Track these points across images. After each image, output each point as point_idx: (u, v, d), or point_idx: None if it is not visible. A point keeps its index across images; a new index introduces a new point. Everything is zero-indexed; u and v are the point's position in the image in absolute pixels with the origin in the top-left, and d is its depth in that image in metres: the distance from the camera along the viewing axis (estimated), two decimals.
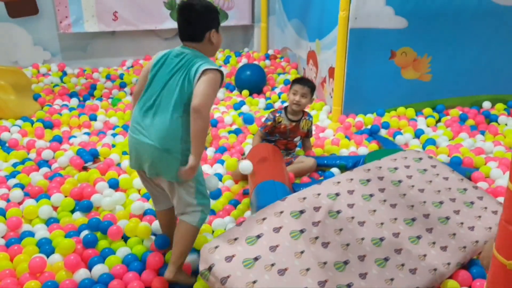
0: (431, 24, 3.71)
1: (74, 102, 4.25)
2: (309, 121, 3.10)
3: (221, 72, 1.85)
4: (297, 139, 3.12)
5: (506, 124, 3.72)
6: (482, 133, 3.59)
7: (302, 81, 3.01)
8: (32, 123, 3.75)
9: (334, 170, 2.95)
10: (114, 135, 3.58)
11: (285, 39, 5.20)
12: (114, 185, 2.76)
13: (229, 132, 3.68)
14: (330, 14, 3.81)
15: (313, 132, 3.32)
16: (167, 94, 1.85)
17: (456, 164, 2.96)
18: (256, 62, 5.14)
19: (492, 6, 3.70)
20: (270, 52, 5.48)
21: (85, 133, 3.61)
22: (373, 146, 3.28)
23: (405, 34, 3.70)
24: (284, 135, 3.04)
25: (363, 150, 3.20)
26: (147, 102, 1.89)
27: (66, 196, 2.61)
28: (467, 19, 3.74)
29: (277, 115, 3.01)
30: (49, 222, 2.43)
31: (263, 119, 3.16)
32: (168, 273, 1.89)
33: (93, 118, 3.88)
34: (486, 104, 4.01)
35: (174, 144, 1.84)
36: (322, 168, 3.03)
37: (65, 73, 4.99)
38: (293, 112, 3.01)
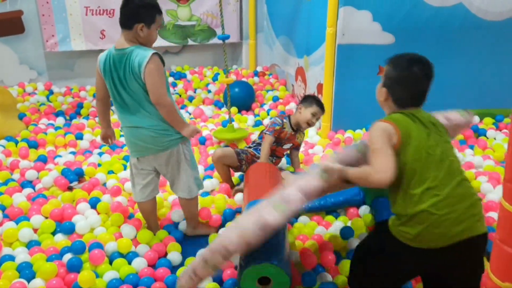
0: (418, 39, 3.73)
1: (60, 121, 4.18)
2: (303, 134, 3.18)
3: (156, 54, 2.06)
4: (287, 146, 3.12)
5: (494, 138, 3.73)
6: (471, 147, 3.59)
7: (322, 105, 3.07)
8: (17, 143, 3.67)
9: None
10: (100, 154, 3.52)
11: (274, 56, 5.21)
12: (96, 205, 2.69)
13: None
14: (317, 31, 3.82)
15: (302, 148, 3.30)
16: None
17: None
18: (244, 79, 5.13)
19: (478, 21, 3.73)
20: (259, 69, 5.49)
21: (70, 153, 3.54)
22: None
23: (393, 49, 3.66)
24: (281, 142, 3.06)
25: None
26: None
27: (46, 218, 2.53)
28: (453, 35, 3.76)
29: (285, 121, 3.05)
30: (30, 245, 2.35)
31: (268, 124, 3.13)
32: (187, 229, 2.47)
33: (80, 137, 3.82)
34: (474, 119, 4.02)
35: None
36: None
37: (51, 92, 4.93)
38: (296, 124, 3.07)
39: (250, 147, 3.15)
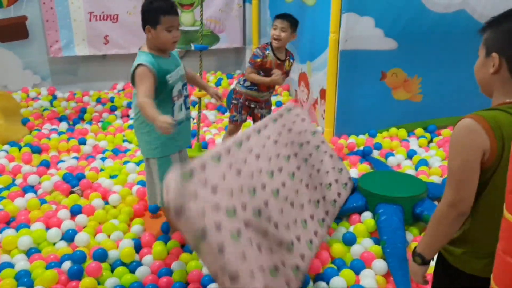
0: (420, 45, 3.73)
1: (63, 126, 4.20)
2: (291, 61, 3.21)
3: (141, 65, 2.15)
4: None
5: None
6: None
7: (281, 15, 3.10)
8: (20, 148, 3.68)
9: None
10: (103, 159, 3.52)
11: None
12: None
13: None
14: (320, 37, 3.82)
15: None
16: None
17: None
18: None
19: (480, 27, 3.72)
20: None
21: (73, 158, 3.55)
22: (364, 167, 3.24)
23: (395, 55, 3.71)
24: (268, 71, 3.12)
25: (354, 172, 3.17)
26: None
27: (48, 228, 2.52)
28: (455, 40, 3.76)
29: (266, 52, 3.10)
30: (30, 252, 2.34)
31: (252, 56, 3.20)
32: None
33: (83, 142, 3.83)
34: None
35: None
36: None
37: (55, 97, 4.95)
38: (277, 50, 3.11)
39: (237, 94, 3.27)
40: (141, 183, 3.01)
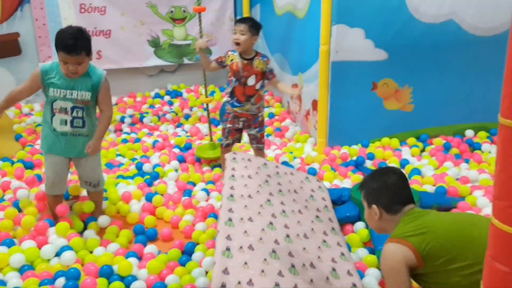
0: (410, 55, 3.78)
1: None
2: (263, 60, 3.14)
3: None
4: (252, 80, 3.14)
5: (489, 152, 3.74)
6: (467, 161, 3.60)
7: (240, 19, 3.18)
8: (13, 163, 3.67)
9: None
10: None
11: None
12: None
13: (213, 167, 3.66)
14: (311, 48, 3.86)
15: (299, 164, 3.32)
16: None
17: (441, 194, 2.95)
18: None
19: (469, 37, 3.78)
20: None
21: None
22: (357, 177, 3.25)
23: (386, 66, 3.76)
24: (238, 75, 3.13)
25: (347, 182, 3.18)
26: None
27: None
28: (445, 50, 3.81)
29: (230, 53, 3.16)
30: (23, 269, 2.32)
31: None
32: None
33: None
34: (469, 133, 4.04)
35: None
36: None
37: None
38: (243, 51, 3.12)
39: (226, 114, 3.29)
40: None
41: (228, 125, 3.27)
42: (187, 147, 4.04)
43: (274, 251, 1.88)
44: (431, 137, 4.02)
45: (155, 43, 5.27)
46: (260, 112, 3.27)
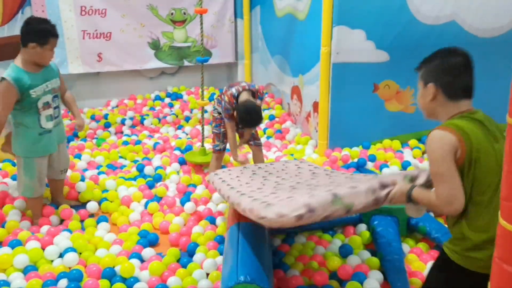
0: (411, 57, 3.70)
1: None
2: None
3: (4, 80, 2.49)
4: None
5: None
6: None
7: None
8: (14, 164, 3.66)
9: None
10: (99, 173, 3.53)
11: (269, 75, 5.24)
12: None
13: None
14: (311, 50, 3.85)
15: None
16: None
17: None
18: None
19: (471, 38, 3.78)
20: None
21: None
22: None
23: (387, 67, 3.75)
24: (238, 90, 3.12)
25: None
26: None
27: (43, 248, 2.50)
28: None
29: (235, 105, 3.08)
30: (27, 270, 2.32)
31: (222, 111, 3.16)
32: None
33: (78, 157, 3.83)
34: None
35: None
36: None
37: None
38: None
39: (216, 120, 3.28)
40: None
41: (222, 129, 3.24)
42: (188, 149, 4.03)
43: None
44: None
45: (155, 45, 5.26)
46: None
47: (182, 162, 3.75)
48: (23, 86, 2.53)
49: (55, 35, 2.61)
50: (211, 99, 5.29)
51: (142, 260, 2.46)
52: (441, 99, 1.59)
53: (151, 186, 3.33)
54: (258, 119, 2.96)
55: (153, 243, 2.68)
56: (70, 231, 2.69)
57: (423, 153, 3.83)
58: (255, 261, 1.95)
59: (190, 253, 2.53)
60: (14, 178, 3.27)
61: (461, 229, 1.48)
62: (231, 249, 2.07)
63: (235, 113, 3.06)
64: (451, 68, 1.58)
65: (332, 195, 1.71)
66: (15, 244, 2.50)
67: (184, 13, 5.27)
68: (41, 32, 2.54)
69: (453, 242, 1.52)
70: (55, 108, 2.76)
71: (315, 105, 3.94)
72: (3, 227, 2.73)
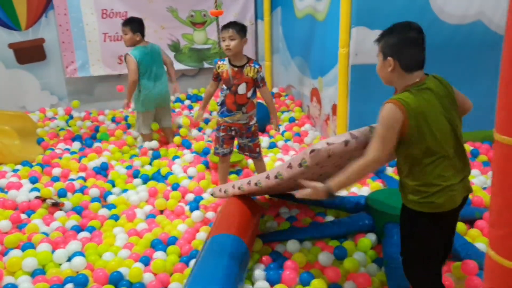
0: (435, 58, 3.55)
1: (76, 145, 4.21)
2: (254, 67, 2.99)
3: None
4: (242, 88, 3.01)
5: None
6: None
7: (225, 25, 3.00)
8: (31, 167, 3.72)
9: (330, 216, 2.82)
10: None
11: (289, 77, 5.17)
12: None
13: (231, 172, 3.60)
14: (331, 52, 3.76)
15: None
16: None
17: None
18: (260, 101, 5.09)
19: (498, 38, 3.60)
20: (275, 90, 5.45)
21: (79, 178, 3.54)
22: (376, 185, 3.13)
23: None
24: (228, 83, 3.01)
25: (365, 190, 3.06)
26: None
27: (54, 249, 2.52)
28: (472, 52, 3.64)
29: (220, 63, 3.04)
30: (35, 273, 2.33)
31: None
32: None
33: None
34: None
35: None
36: (319, 208, 2.89)
37: (71, 117, 5.02)
38: (234, 59, 3.01)
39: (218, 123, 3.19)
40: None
41: (222, 134, 3.14)
42: (205, 152, 4.00)
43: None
44: None
45: (175, 48, 5.27)
46: (251, 121, 3.13)
47: (206, 165, 3.72)
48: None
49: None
50: None
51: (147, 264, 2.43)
52: (399, 70, 1.79)
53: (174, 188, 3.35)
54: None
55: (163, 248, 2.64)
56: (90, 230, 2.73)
57: None
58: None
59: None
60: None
61: (410, 183, 1.76)
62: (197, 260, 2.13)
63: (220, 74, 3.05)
64: (410, 43, 1.77)
65: (369, 126, 2.07)
66: (27, 246, 2.52)
67: (204, 15, 5.26)
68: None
69: (410, 196, 1.77)
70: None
71: (334, 108, 3.84)
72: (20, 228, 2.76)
